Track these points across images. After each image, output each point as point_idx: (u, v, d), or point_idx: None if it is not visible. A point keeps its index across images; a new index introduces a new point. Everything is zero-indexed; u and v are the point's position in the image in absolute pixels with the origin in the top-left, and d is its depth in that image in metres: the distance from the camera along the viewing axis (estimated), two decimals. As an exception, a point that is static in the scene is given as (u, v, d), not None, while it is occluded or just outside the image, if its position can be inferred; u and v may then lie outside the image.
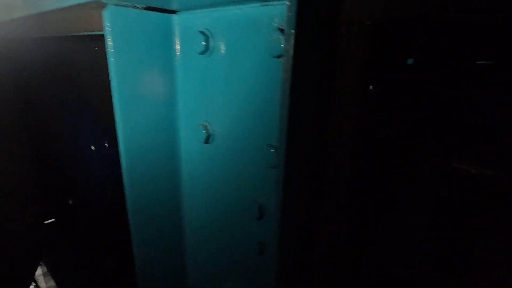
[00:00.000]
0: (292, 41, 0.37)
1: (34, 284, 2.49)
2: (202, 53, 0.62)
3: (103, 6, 0.62)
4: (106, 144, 2.04)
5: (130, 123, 0.67)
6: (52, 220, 2.24)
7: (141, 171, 0.71)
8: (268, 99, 0.54)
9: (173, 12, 0.68)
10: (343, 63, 0.45)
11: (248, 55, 0.56)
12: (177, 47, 0.69)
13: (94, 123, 1.94)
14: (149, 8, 0.65)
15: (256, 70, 0.55)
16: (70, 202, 2.22)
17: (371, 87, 0.59)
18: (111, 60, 0.62)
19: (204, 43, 0.61)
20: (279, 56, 0.49)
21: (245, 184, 0.64)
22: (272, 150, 0.55)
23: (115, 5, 0.60)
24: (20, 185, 1.94)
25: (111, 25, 0.60)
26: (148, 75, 0.67)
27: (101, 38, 0.90)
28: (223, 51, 0.60)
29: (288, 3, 0.36)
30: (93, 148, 2.02)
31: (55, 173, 2.08)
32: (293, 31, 0.36)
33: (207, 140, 0.67)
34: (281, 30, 0.48)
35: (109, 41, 0.61)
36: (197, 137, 0.69)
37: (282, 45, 0.48)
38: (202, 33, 0.62)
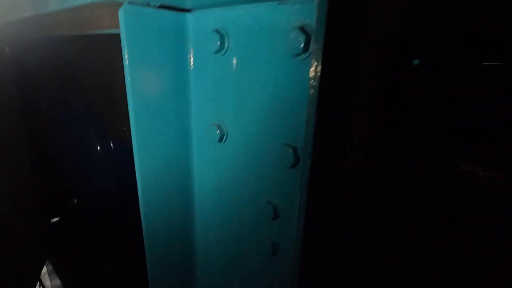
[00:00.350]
0: (321, 41, 0.36)
1: (39, 283, 2.49)
2: (217, 52, 0.62)
3: (118, 4, 0.61)
4: (112, 145, 2.04)
5: (144, 121, 0.66)
6: (57, 219, 2.25)
7: (153, 170, 0.71)
8: (285, 98, 0.54)
9: (187, 10, 0.67)
10: (365, 65, 0.45)
11: (264, 54, 0.55)
12: (191, 46, 0.68)
13: (100, 123, 1.94)
14: (163, 7, 0.65)
15: (273, 69, 0.55)
16: (75, 201, 2.23)
17: (389, 88, 0.58)
18: (126, 58, 0.62)
19: (219, 42, 0.61)
20: (297, 55, 0.49)
21: (259, 184, 0.63)
22: (290, 150, 0.55)
23: (130, 3, 0.60)
24: (25, 184, 1.95)
25: (126, 24, 0.60)
26: (162, 74, 0.67)
27: (111, 38, 0.90)
28: (238, 50, 0.60)
29: (316, 2, 0.36)
30: (98, 148, 2.03)
31: (60, 172, 2.09)
32: (323, 31, 0.36)
33: (221, 139, 0.67)
34: (301, 29, 0.47)
35: (124, 40, 0.61)
36: (210, 137, 0.68)
37: (302, 44, 0.47)
38: (217, 31, 0.61)
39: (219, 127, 0.66)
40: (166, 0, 0.63)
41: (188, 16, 0.67)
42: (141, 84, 0.65)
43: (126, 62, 0.62)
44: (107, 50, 1.51)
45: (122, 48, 0.62)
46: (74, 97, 1.88)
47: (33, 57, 1.71)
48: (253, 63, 0.58)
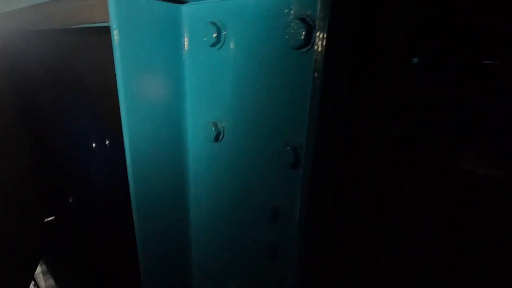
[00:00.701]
0: (324, 32, 0.33)
1: (33, 283, 2.46)
2: (213, 45, 0.59)
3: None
4: (107, 142, 2.01)
5: (136, 118, 0.63)
6: (52, 218, 2.21)
7: (147, 169, 0.68)
8: (285, 94, 0.51)
9: (181, 2, 0.64)
10: (376, 58, 0.42)
11: (263, 47, 0.52)
12: (186, 39, 0.65)
13: (95, 120, 1.90)
14: (157, -2, 0.61)
15: (272, 63, 0.51)
16: (70, 200, 2.20)
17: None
18: (117, 52, 0.59)
19: (215, 34, 0.58)
20: (298, 48, 0.46)
21: (257, 185, 0.61)
22: (288, 148, 0.52)
23: (121, -7, 0.57)
24: (20, 183, 1.91)
25: (117, 15, 0.57)
26: (155, 68, 0.64)
27: (103, 31, 0.86)
28: (235, 43, 0.57)
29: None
30: (93, 145, 1.99)
31: (55, 170, 2.06)
32: (326, 21, 0.33)
33: (217, 138, 0.64)
34: (302, 20, 0.44)
35: (115, 33, 0.57)
36: (206, 135, 0.65)
37: (302, 36, 0.44)
38: (213, 24, 0.58)
39: (215, 125, 0.63)
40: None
41: (183, 7, 0.64)
42: (133, 79, 0.61)
43: (117, 55, 0.59)
44: (102, 44, 1.47)
45: (112, 41, 0.58)
46: (70, 95, 1.84)
47: (27, 52, 1.67)
48: (251, 56, 0.55)
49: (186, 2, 0.64)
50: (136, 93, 0.62)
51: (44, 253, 2.25)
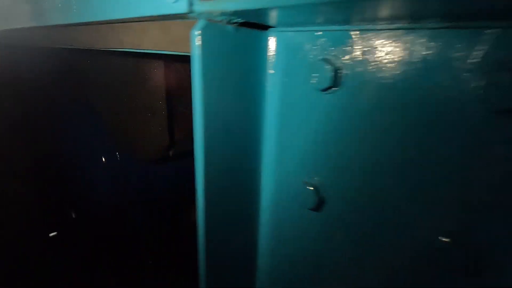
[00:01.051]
0: None
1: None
2: (324, 89, 0.45)
3: (191, 20, 0.44)
4: (118, 156, 1.88)
5: (211, 158, 0.48)
6: (55, 233, 2.12)
7: (217, 226, 0.52)
8: (445, 164, 0.36)
9: (271, 29, 0.50)
10: None
11: (413, 98, 0.38)
12: (278, 75, 0.51)
13: (103, 135, 1.79)
14: (245, 24, 0.47)
15: (423, 122, 0.37)
16: (73, 215, 2.10)
17: None
18: (197, 87, 0.44)
19: (330, 76, 0.43)
20: (501, 112, 0.32)
21: (381, 279, 0.45)
22: (444, 239, 0.37)
23: (208, 20, 0.43)
24: (23, 198, 1.81)
25: (203, 45, 0.43)
26: (237, 108, 0.50)
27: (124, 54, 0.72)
28: (356, 89, 0.42)
29: None
30: (102, 160, 1.89)
31: (59, 186, 1.96)
32: None
33: (318, 206, 0.48)
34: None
35: (197, 65, 0.43)
36: (299, 200, 0.50)
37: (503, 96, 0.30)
38: (326, 61, 0.44)
39: (315, 188, 0.48)
40: (251, 16, 0.45)
41: (274, 36, 0.50)
42: (212, 115, 0.47)
43: (197, 88, 0.45)
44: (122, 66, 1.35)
45: (193, 76, 0.44)
46: (79, 109, 1.73)
47: (35, 66, 1.56)
48: (386, 110, 0.40)
49: (279, 30, 0.50)
50: (214, 134, 0.48)
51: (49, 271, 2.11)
